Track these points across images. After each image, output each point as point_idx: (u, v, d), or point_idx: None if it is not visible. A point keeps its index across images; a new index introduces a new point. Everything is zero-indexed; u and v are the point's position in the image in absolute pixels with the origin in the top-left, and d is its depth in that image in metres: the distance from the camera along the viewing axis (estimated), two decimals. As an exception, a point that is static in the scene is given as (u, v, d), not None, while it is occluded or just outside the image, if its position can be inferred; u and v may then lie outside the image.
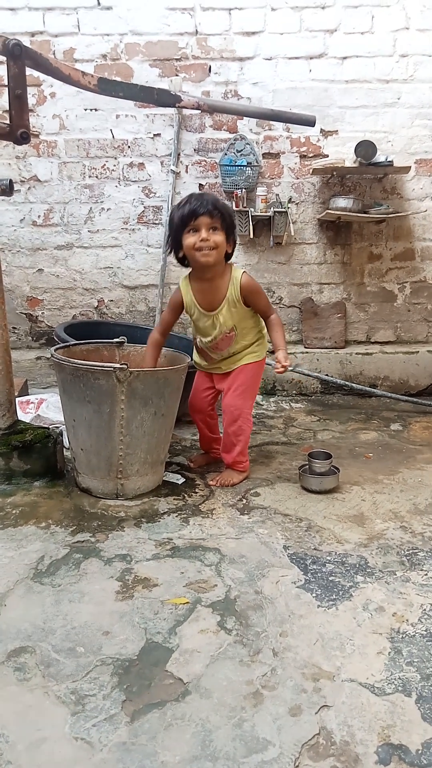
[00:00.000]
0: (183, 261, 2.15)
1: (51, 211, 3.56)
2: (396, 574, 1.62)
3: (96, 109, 3.46)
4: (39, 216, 3.56)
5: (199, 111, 3.37)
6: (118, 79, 3.09)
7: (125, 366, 1.93)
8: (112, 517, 1.94)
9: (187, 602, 1.48)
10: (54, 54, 3.38)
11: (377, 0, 3.37)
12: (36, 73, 3.10)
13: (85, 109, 3.46)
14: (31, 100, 3.41)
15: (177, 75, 3.43)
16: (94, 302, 3.67)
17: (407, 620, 1.43)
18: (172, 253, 2.14)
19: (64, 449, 2.25)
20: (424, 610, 1.47)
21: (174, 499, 2.09)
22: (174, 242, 2.08)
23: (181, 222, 2.02)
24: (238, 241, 2.22)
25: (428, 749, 1.06)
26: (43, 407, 2.65)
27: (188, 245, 2.03)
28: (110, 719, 1.11)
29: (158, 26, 3.38)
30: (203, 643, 1.33)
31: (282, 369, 2.06)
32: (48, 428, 2.20)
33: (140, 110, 3.46)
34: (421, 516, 1.98)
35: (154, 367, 2.19)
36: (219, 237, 2.03)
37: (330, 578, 1.60)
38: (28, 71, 1.95)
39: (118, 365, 1.93)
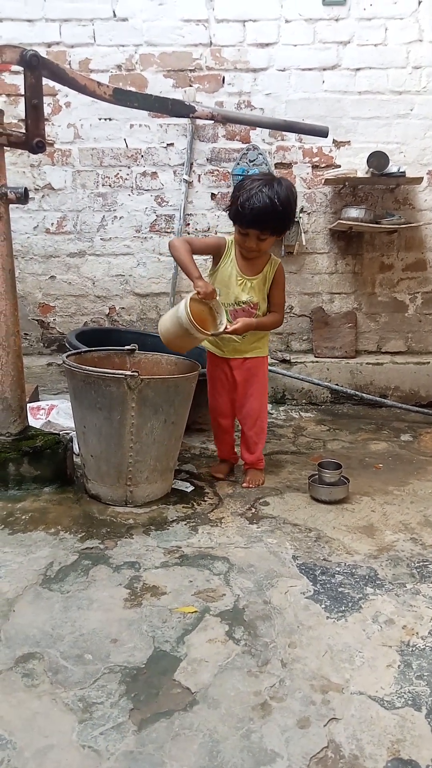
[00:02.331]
0: (231, 219, 2.09)
1: (64, 219, 3.59)
2: (406, 587, 1.61)
3: (110, 119, 3.49)
4: (52, 224, 3.59)
5: (213, 121, 3.39)
6: (133, 89, 3.12)
7: (136, 373, 1.94)
8: (121, 524, 1.94)
9: (196, 611, 1.47)
10: (70, 64, 3.42)
11: (391, 12, 3.39)
12: (52, 83, 3.14)
13: (100, 119, 3.49)
14: (47, 110, 3.45)
15: (191, 85, 3.46)
16: (105, 309, 3.70)
17: (417, 633, 1.41)
18: (229, 205, 2.09)
19: (74, 455, 2.26)
20: (435, 623, 1.45)
21: (183, 506, 2.09)
22: (232, 214, 2.06)
23: (235, 217, 2.03)
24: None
25: (438, 765, 1.05)
26: (54, 413, 2.66)
27: (238, 239, 2.10)
28: (118, 727, 1.11)
29: (173, 37, 3.41)
30: (211, 653, 1.32)
31: (231, 330, 2.06)
32: (58, 434, 2.21)
33: (154, 120, 3.49)
34: (431, 528, 1.97)
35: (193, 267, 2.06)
36: (266, 244, 2.09)
37: (339, 589, 1.59)
38: (45, 81, 1.98)
39: (129, 372, 1.94)
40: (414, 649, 1.36)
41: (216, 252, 2.20)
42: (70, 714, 1.14)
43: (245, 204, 1.97)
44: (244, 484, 2.30)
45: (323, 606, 1.51)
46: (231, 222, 2.11)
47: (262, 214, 1.97)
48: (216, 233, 3.59)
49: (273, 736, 1.10)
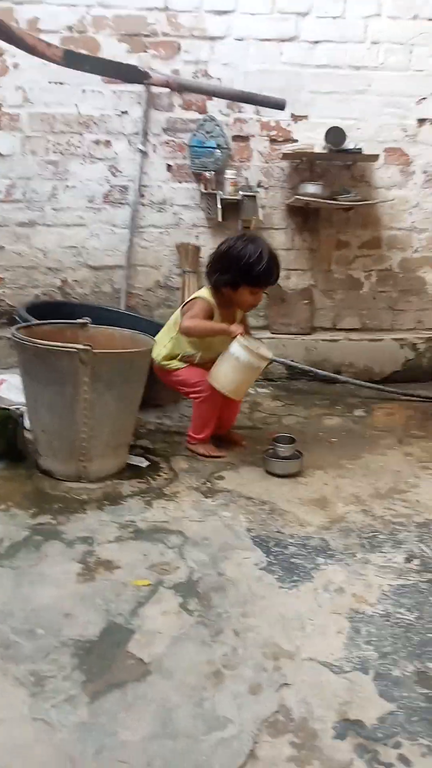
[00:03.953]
0: (219, 286, 2.26)
1: (13, 186, 3.47)
2: (356, 556, 1.66)
3: (61, 83, 3.36)
4: (0, 191, 3.47)
5: (169, 89, 3.32)
6: (85, 52, 3.02)
7: (89, 347, 1.91)
8: (74, 499, 1.93)
9: (150, 584, 1.48)
10: (17, 23, 3.27)
11: (350, -16, 3.37)
12: (-1, 42, 3.01)
13: (50, 82, 3.36)
14: (-6, 71, 3.31)
15: (146, 51, 3.36)
16: (57, 282, 3.61)
17: (366, 601, 1.46)
18: (217, 275, 2.23)
19: (25, 431, 2.22)
20: (383, 591, 1.50)
21: (138, 482, 2.09)
22: (232, 280, 2.21)
23: (251, 280, 2.20)
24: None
25: (383, 724, 1.09)
26: (3, 388, 2.60)
27: (245, 300, 2.26)
28: (70, 700, 1.11)
29: (127, -1, 3.31)
30: (165, 625, 1.33)
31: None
32: (8, 409, 2.17)
33: (107, 86, 3.38)
34: (381, 500, 2.03)
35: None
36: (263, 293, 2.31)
37: (292, 560, 1.63)
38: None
39: (81, 346, 1.91)
40: (363, 616, 1.40)
41: (211, 313, 2.31)
42: (21, 688, 1.14)
43: (256, 266, 2.15)
44: (244, 443, 2.48)
45: (276, 576, 1.54)
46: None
47: (274, 268, 2.21)
48: (171, 206, 3.55)
49: (225, 702, 1.12)
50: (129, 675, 1.18)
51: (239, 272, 2.19)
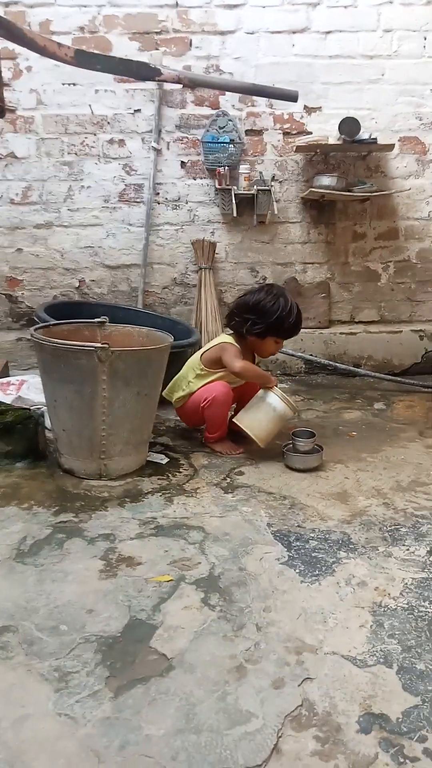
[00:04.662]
0: (249, 335, 2.35)
1: (29, 188, 3.50)
2: (378, 550, 1.65)
3: (74, 84, 3.38)
4: (17, 194, 3.50)
5: (180, 85, 3.32)
6: (97, 52, 3.02)
7: (106, 345, 1.91)
8: (95, 497, 1.94)
9: (171, 580, 1.48)
10: (29, 26, 3.29)
11: (361, -28, 3.33)
12: (11, 46, 3.03)
13: (63, 84, 3.38)
14: (7, 74, 3.33)
15: (157, 49, 3.36)
16: (75, 282, 3.63)
17: (389, 594, 1.45)
18: (249, 325, 2.32)
19: (46, 430, 2.24)
20: (406, 584, 1.49)
21: (158, 478, 2.09)
22: (264, 330, 2.32)
23: (280, 332, 2.35)
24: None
25: (408, 717, 1.08)
26: (24, 388, 2.62)
27: (268, 348, 2.40)
28: (94, 695, 1.12)
29: (137, -2, 3.31)
30: (187, 620, 1.34)
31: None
32: (29, 409, 2.19)
33: (119, 85, 3.39)
34: (403, 493, 2.01)
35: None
36: None
37: (313, 554, 1.62)
38: (2, 44, 1.90)
39: (99, 345, 1.91)
40: (386, 609, 1.39)
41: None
42: (45, 684, 1.15)
43: (287, 320, 2.30)
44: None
45: (297, 571, 1.54)
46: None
47: (300, 323, 2.38)
48: (186, 202, 3.55)
49: (248, 697, 1.12)
50: (152, 670, 1.19)
51: (269, 324, 2.31)
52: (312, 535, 1.73)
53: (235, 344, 2.37)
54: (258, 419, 2.28)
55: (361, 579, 1.51)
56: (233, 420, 2.32)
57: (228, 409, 2.39)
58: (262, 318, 2.31)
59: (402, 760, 1.00)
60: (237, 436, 2.39)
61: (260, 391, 2.34)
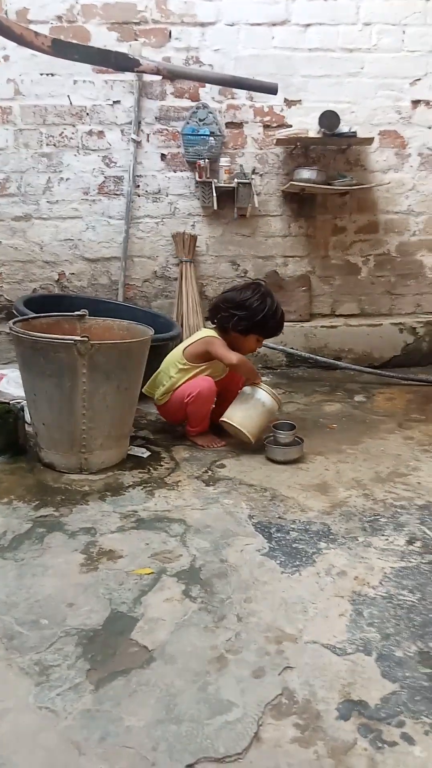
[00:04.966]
0: (233, 331, 2.35)
1: (7, 180, 3.46)
2: (358, 540, 1.66)
3: (52, 74, 3.34)
4: (-5, 186, 3.46)
5: (160, 77, 3.29)
6: (74, 41, 2.99)
7: (86, 338, 1.90)
8: (76, 491, 1.93)
9: (152, 572, 1.48)
10: (6, 14, 3.25)
11: (340, -35, 3.33)
12: (-13, 34, 2.97)
13: (41, 74, 3.34)
14: (-16, 64, 3.28)
15: (136, 39, 3.34)
16: (54, 275, 3.60)
17: (368, 583, 1.46)
18: (234, 321, 2.33)
19: (26, 425, 2.22)
20: (385, 573, 1.51)
21: (139, 472, 2.09)
22: (248, 327, 2.34)
23: (263, 331, 2.38)
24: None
25: (386, 703, 1.10)
26: (3, 382, 2.60)
27: (249, 345, 2.41)
28: (75, 688, 1.12)
29: (116, -13, 3.27)
30: (168, 612, 1.34)
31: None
32: (9, 403, 2.17)
33: (98, 75, 3.36)
34: (382, 483, 2.03)
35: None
36: None
37: (294, 545, 1.63)
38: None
39: (78, 338, 1.90)
40: (365, 598, 1.41)
41: None
42: (26, 678, 1.14)
43: (271, 320, 2.34)
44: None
45: (278, 562, 1.54)
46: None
47: (283, 323, 2.42)
48: (167, 195, 3.53)
49: (229, 687, 1.13)
50: (133, 662, 1.19)
51: (255, 323, 2.33)
52: (292, 526, 1.74)
53: (219, 338, 2.37)
54: (249, 416, 2.27)
55: (341, 569, 1.52)
56: (222, 419, 2.30)
57: (211, 404, 2.38)
58: (248, 316, 2.32)
59: (380, 744, 1.01)
60: (218, 429, 2.39)
61: (247, 388, 2.34)
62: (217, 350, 2.33)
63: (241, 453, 2.29)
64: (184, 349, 2.40)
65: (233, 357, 2.30)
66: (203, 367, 2.37)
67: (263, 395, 2.29)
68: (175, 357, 2.43)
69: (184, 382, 2.36)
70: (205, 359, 2.37)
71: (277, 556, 1.57)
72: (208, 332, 2.43)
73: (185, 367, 2.37)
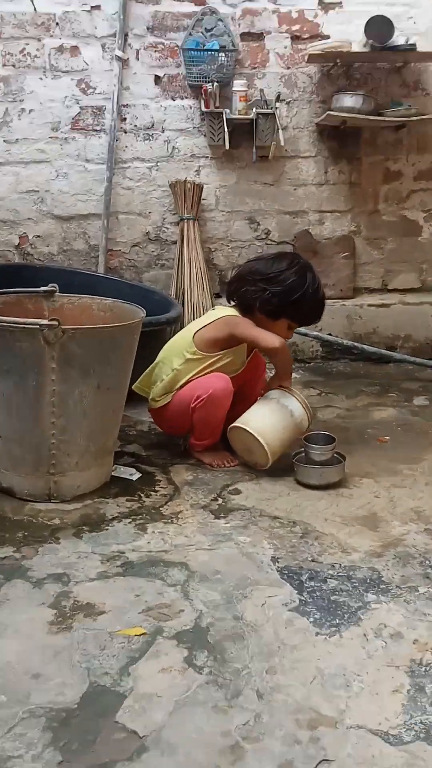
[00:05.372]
0: (256, 304, 2.37)
1: None
2: (418, 591, 1.66)
3: (10, -29, 3.37)
4: None
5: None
6: None
7: (56, 323, 1.91)
8: (43, 525, 1.95)
9: (144, 633, 1.49)
10: None
11: None
12: None
13: (-4, -29, 3.37)
14: None
15: None
16: (14, 239, 3.63)
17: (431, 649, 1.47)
18: (266, 298, 2.34)
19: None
20: (455, 635, 1.51)
21: (127, 500, 2.11)
22: (279, 309, 2.37)
23: (298, 316, 2.43)
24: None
25: (457, 810, 1.10)
26: None
27: (278, 333, 2.38)
28: (42, 787, 1.13)
29: None
30: (165, 686, 1.34)
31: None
32: None
33: (72, -27, 3.38)
34: (451, 515, 2.03)
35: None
36: None
37: (332, 598, 1.63)
38: None
39: (45, 322, 1.91)
40: (428, 668, 1.41)
41: None
42: (-23, 773, 1.15)
43: (309, 302, 2.38)
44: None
45: (311, 620, 1.55)
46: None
47: (323, 308, 2.48)
48: (163, 131, 3.55)
49: (247, 786, 1.13)
50: (118, 752, 1.19)
51: (290, 302, 2.36)
52: (331, 572, 1.74)
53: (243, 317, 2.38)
54: (272, 426, 2.25)
55: (396, 629, 1.52)
56: (235, 425, 2.29)
57: (226, 410, 2.37)
58: (281, 292, 2.33)
59: None
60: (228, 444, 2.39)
61: (274, 391, 2.35)
62: (249, 331, 2.33)
63: (262, 475, 2.29)
64: (196, 332, 2.39)
65: (275, 339, 2.29)
66: (219, 356, 2.37)
67: (294, 404, 2.29)
68: (180, 343, 2.43)
69: (191, 378, 2.35)
70: (222, 347, 2.37)
71: (311, 612, 1.57)
72: (227, 310, 2.44)
73: (195, 356, 2.36)
